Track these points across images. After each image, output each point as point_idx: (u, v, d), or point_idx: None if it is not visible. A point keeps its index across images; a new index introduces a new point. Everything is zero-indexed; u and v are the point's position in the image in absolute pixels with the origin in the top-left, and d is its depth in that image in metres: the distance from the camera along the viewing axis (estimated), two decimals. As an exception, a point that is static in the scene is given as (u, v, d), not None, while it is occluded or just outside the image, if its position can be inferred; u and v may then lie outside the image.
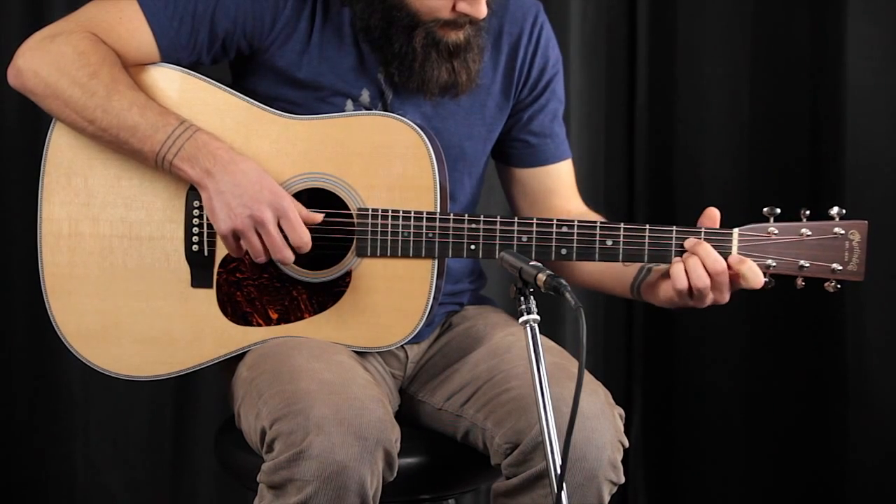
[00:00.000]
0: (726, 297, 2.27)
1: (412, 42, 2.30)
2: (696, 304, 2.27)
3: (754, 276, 2.25)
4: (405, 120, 2.31)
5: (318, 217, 2.29)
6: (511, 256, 2.05)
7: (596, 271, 2.42)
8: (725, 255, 2.26)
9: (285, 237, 2.26)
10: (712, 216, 2.30)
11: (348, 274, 2.32)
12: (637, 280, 2.37)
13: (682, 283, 2.24)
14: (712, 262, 2.24)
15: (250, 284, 2.34)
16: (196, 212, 2.33)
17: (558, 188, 2.52)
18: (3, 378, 3.33)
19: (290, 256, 2.27)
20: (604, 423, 2.23)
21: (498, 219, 2.29)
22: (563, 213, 2.48)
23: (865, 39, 3.30)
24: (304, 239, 2.26)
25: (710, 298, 2.26)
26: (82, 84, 2.26)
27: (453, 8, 2.28)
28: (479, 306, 2.58)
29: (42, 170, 2.35)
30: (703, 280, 2.23)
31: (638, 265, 2.36)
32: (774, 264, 2.28)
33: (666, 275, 2.29)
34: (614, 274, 2.40)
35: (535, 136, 2.49)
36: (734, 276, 2.25)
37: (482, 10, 2.28)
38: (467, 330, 2.49)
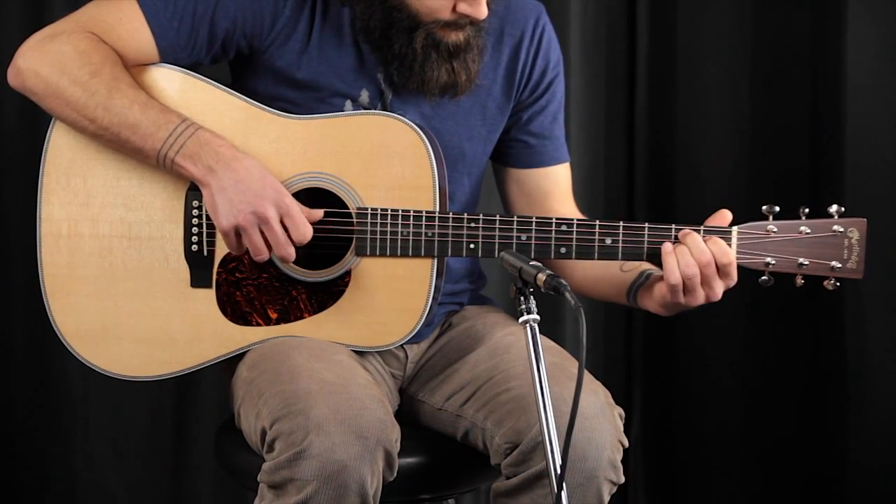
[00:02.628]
0: (718, 293, 2.26)
1: (412, 43, 2.30)
2: (689, 300, 2.26)
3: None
4: (404, 119, 2.31)
5: (319, 213, 2.29)
6: (511, 256, 2.05)
7: (592, 276, 2.42)
8: None
9: (287, 235, 2.26)
10: (723, 216, 2.30)
11: (348, 273, 2.32)
12: (635, 285, 2.37)
13: (675, 278, 2.24)
14: (699, 252, 2.24)
15: (250, 284, 2.34)
16: (195, 212, 2.33)
17: (554, 191, 2.52)
18: (3, 378, 3.33)
19: (292, 254, 2.27)
20: (604, 423, 2.23)
21: (497, 218, 2.30)
22: (557, 215, 2.47)
23: (865, 39, 3.30)
24: (307, 236, 2.26)
25: (701, 294, 2.25)
26: (83, 83, 2.26)
27: (454, 9, 2.28)
28: (479, 306, 2.58)
29: (41, 170, 2.35)
30: (691, 268, 2.23)
31: (637, 272, 2.36)
32: (773, 262, 2.28)
33: (662, 278, 2.29)
34: (611, 279, 2.40)
35: (534, 137, 2.49)
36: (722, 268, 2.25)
37: (483, 11, 2.28)
38: (467, 330, 2.49)
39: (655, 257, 2.28)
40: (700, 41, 3.46)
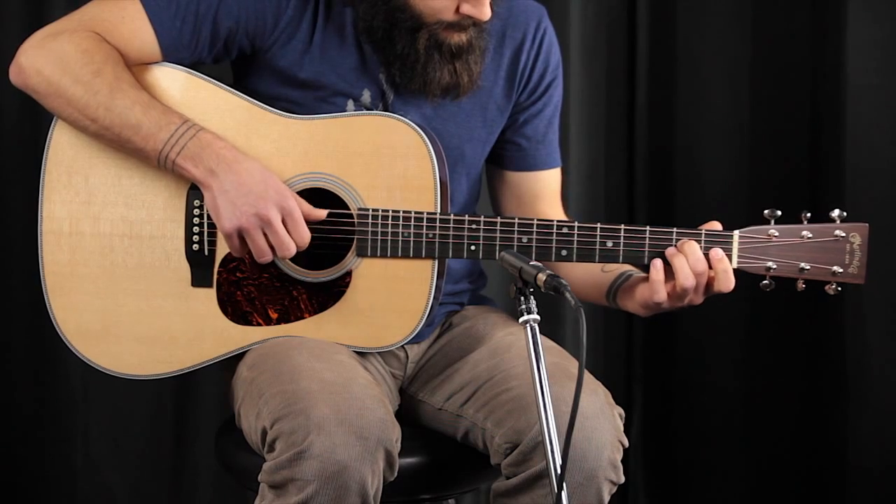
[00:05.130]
0: (701, 300, 2.28)
1: (415, 43, 2.30)
2: (673, 305, 2.28)
3: (726, 279, 2.25)
4: (406, 120, 2.31)
5: (322, 213, 2.29)
6: (511, 256, 2.05)
7: (574, 277, 2.42)
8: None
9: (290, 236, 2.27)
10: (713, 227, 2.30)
11: (348, 274, 2.32)
12: (614, 285, 2.37)
13: (661, 296, 2.25)
14: (695, 260, 2.24)
15: (250, 284, 2.34)
16: (196, 211, 2.33)
17: (543, 194, 2.53)
18: (3, 378, 3.33)
19: (293, 253, 2.27)
20: (604, 423, 2.23)
21: (498, 219, 2.30)
22: (545, 217, 2.48)
23: (865, 39, 3.30)
24: (305, 238, 2.26)
25: (686, 300, 2.27)
26: (85, 82, 2.26)
27: (457, 10, 2.28)
28: (480, 306, 2.58)
29: (43, 168, 2.35)
30: (690, 280, 2.24)
31: (616, 272, 2.36)
32: (775, 266, 2.28)
33: (644, 279, 2.30)
34: (592, 280, 2.41)
35: (528, 140, 2.50)
36: (710, 278, 2.26)
37: (486, 13, 2.28)
38: (467, 330, 2.49)
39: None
40: (700, 41, 3.46)
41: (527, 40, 2.44)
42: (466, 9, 2.27)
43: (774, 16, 3.42)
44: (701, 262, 2.25)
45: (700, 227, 2.28)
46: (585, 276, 2.40)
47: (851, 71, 3.30)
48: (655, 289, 2.26)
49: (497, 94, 2.43)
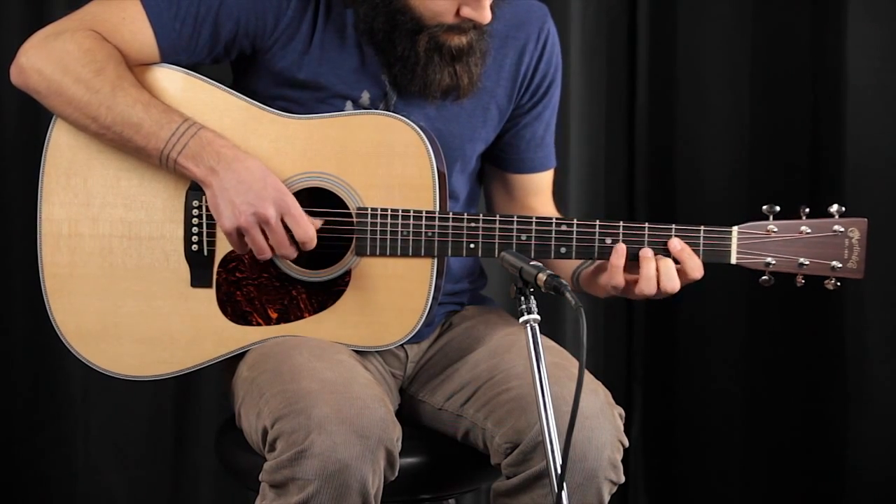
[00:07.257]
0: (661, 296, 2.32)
1: (415, 46, 2.30)
2: (628, 293, 2.31)
3: (694, 266, 2.27)
4: (404, 119, 2.31)
5: (318, 222, 2.29)
6: (512, 256, 2.05)
7: (546, 264, 2.43)
8: (725, 254, 2.27)
9: (289, 234, 2.26)
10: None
11: (347, 273, 2.32)
12: (579, 269, 2.39)
13: (651, 288, 2.27)
14: (667, 279, 2.27)
15: (250, 284, 2.34)
16: (195, 211, 2.33)
17: (536, 190, 2.54)
18: (3, 378, 3.33)
19: (294, 253, 2.27)
20: (604, 423, 2.23)
21: (497, 217, 2.30)
22: (536, 212, 2.50)
23: (865, 39, 3.31)
24: (310, 234, 2.26)
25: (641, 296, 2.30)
26: (86, 81, 2.26)
27: (457, 13, 2.28)
28: (480, 306, 2.58)
29: (41, 170, 2.35)
30: (673, 283, 2.25)
31: None
32: (774, 262, 2.28)
33: (605, 267, 2.30)
34: (560, 264, 2.42)
35: (527, 143, 2.50)
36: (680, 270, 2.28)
37: (486, 16, 2.28)
38: (467, 330, 2.49)
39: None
40: (700, 41, 3.46)
41: (530, 41, 2.44)
42: (467, 12, 2.27)
43: (775, 16, 3.43)
44: (672, 280, 2.26)
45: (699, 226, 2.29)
46: (555, 261, 2.42)
47: (851, 71, 3.31)
48: (613, 273, 2.28)
49: (499, 94, 2.43)
